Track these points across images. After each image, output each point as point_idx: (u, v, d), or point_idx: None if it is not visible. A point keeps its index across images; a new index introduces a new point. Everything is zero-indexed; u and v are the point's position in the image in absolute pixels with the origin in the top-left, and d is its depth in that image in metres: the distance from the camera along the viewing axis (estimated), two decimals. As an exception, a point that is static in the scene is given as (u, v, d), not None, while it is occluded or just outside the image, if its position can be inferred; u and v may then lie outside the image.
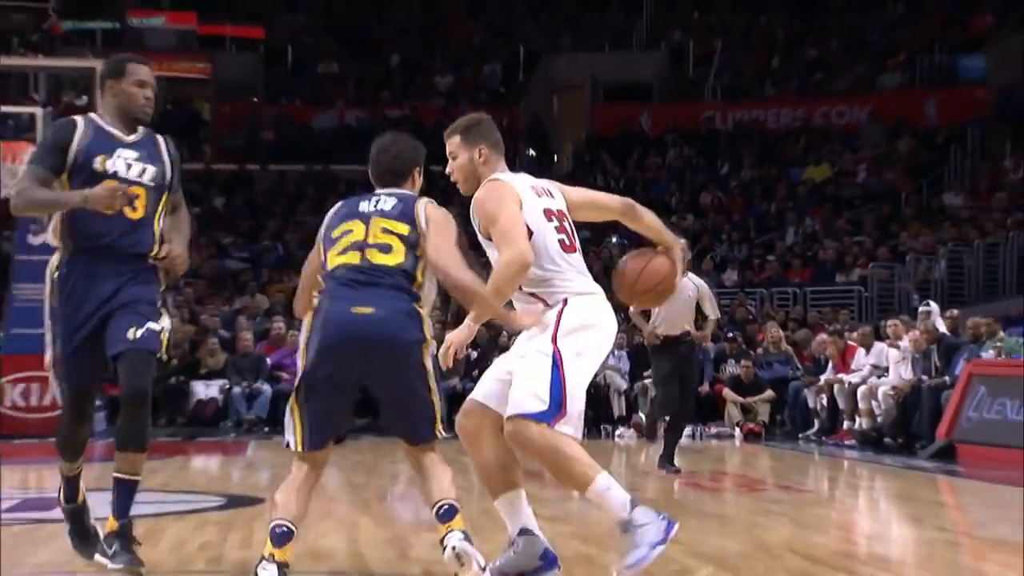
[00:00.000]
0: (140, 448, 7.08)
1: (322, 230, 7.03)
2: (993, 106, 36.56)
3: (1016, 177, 32.79)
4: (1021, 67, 36.12)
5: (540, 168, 30.79)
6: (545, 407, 6.77)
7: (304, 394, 6.68)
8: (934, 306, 20.94)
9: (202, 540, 8.84)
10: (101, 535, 7.26)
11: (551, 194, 7.25)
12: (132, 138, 6.94)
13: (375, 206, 6.96)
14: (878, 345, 20.98)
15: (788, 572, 7.66)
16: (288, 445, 6.75)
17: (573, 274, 7.14)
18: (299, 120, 39.30)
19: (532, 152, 38.49)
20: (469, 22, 43.62)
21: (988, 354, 19.06)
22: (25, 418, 21.22)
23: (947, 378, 18.97)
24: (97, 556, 7.27)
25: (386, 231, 6.84)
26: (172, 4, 41.46)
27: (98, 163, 6.61)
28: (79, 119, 6.77)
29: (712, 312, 15.29)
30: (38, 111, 21.49)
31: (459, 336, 7.06)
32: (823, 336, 23.19)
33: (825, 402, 21.70)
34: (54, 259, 7.22)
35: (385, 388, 6.80)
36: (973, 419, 17.63)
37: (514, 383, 6.92)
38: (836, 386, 21.35)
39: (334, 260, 6.82)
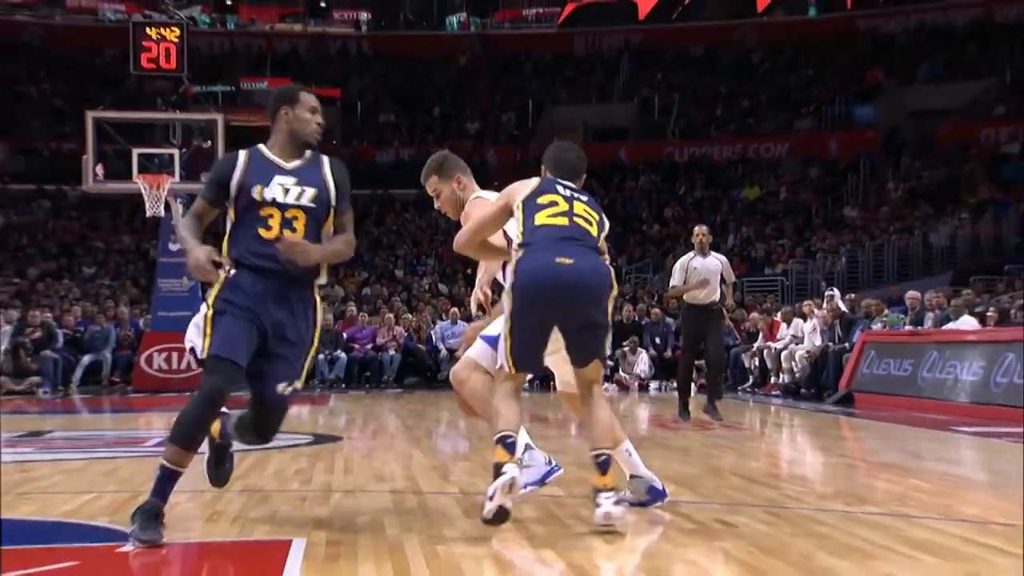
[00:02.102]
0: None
1: (519, 199, 6.16)
2: (880, 144, 36.68)
3: (896, 196, 33.06)
4: (900, 115, 36.31)
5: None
6: None
7: (515, 328, 5.94)
8: (836, 291, 21.03)
9: (296, 467, 8.89)
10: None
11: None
12: (292, 164, 5.93)
13: (572, 192, 6.28)
14: (796, 320, 21.08)
15: (732, 488, 7.70)
16: (500, 366, 6.00)
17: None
18: (366, 157, 39.33)
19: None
20: (491, 83, 43.59)
21: (877, 326, 19.18)
22: (166, 377, 21.40)
23: (847, 344, 19.09)
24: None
25: (586, 212, 6.17)
26: (272, 72, 41.46)
27: (255, 192, 5.71)
28: (242, 153, 5.90)
29: (729, 278, 14.14)
30: (175, 152, 21.70)
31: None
32: (755, 314, 23.34)
33: (757, 363, 21.81)
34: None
35: (577, 320, 6.00)
36: (866, 375, 17.67)
37: None
38: (765, 351, 21.46)
39: (541, 219, 6.06)
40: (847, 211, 33.24)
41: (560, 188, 6.23)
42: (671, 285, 14.54)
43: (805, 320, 20.57)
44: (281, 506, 6.84)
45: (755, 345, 22.03)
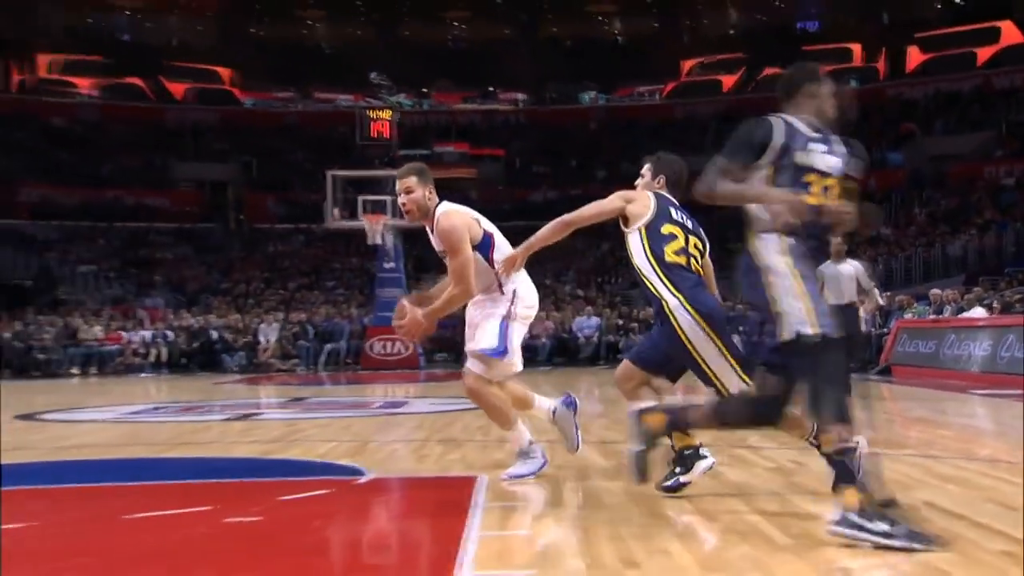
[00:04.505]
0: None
1: (643, 221, 5.02)
2: (907, 180, 36.03)
3: (920, 218, 32.40)
4: (922, 158, 35.68)
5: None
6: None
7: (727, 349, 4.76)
8: (876, 290, 20.48)
9: (478, 424, 8.73)
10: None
11: None
12: (819, 135, 4.32)
13: (683, 218, 5.15)
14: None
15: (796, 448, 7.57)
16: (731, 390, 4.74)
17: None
18: (522, 198, 39.42)
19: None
20: (613, 141, 43.31)
21: (908, 316, 18.75)
22: (384, 359, 21.80)
23: (885, 329, 18.61)
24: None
25: (696, 246, 5.09)
26: (455, 138, 41.83)
27: (798, 156, 4.14)
28: (773, 119, 4.29)
29: (866, 283, 11.62)
30: (388, 198, 22.01)
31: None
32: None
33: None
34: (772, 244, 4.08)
35: None
36: (900, 352, 17.22)
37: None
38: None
39: (669, 256, 4.93)
40: (883, 230, 32.64)
41: (675, 214, 5.12)
42: None
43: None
44: (469, 451, 6.87)
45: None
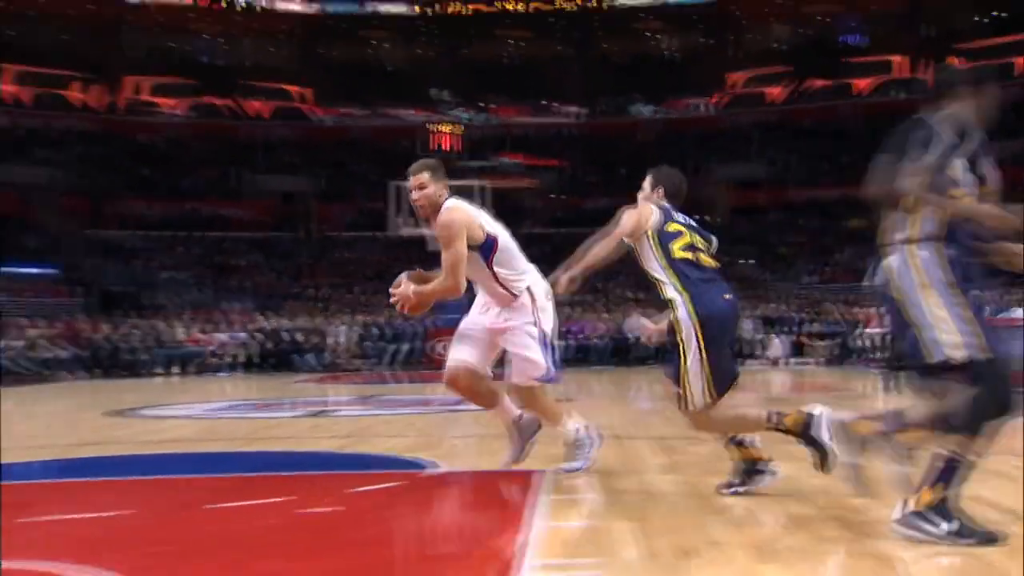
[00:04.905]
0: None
1: (650, 225, 4.85)
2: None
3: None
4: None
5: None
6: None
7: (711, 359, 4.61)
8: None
9: None
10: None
11: None
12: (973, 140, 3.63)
13: (685, 219, 4.98)
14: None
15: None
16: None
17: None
18: (575, 205, 39.28)
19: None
20: (662, 150, 42.98)
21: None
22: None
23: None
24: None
25: (701, 241, 4.86)
26: (512, 149, 41.85)
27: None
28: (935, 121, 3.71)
29: None
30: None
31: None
32: (860, 309, 22.42)
33: (864, 343, 20.84)
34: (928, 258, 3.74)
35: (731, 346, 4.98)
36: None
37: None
38: (868, 335, 20.59)
39: (677, 252, 4.77)
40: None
41: (676, 216, 4.96)
42: (869, 282, 12.51)
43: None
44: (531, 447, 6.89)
45: (860, 331, 21.13)
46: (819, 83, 43.95)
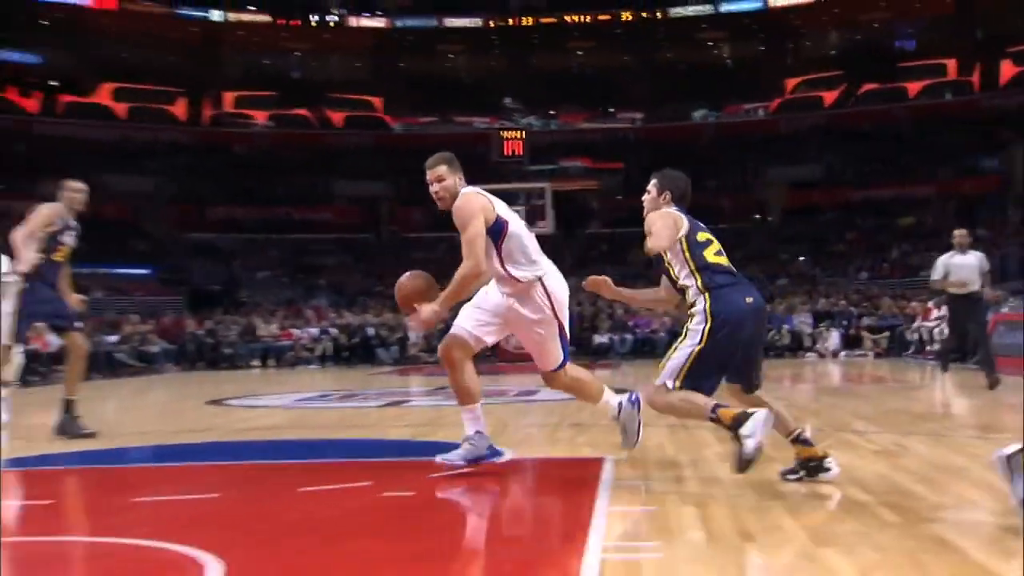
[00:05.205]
0: None
1: (682, 231, 4.68)
2: (1001, 185, 34.29)
3: (1015, 219, 30.90)
4: (1019, 165, 34.06)
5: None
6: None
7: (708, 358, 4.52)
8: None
9: None
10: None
11: None
12: None
13: (706, 225, 4.83)
14: (944, 307, 19.70)
15: (902, 422, 7.25)
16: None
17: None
18: (629, 206, 38.90)
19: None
20: (722, 153, 42.47)
21: (1004, 310, 17.93)
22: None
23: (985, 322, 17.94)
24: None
25: (721, 247, 4.74)
26: (576, 153, 41.70)
27: None
28: None
29: (983, 267, 11.14)
30: (521, 208, 21.82)
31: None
32: (915, 303, 21.87)
33: (917, 336, 20.37)
34: None
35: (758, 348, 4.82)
36: (997, 343, 16.43)
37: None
38: (922, 328, 20.01)
39: (711, 258, 4.64)
40: (980, 231, 31.06)
41: (699, 223, 4.79)
42: (932, 279, 11.75)
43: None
44: (597, 435, 6.80)
45: (914, 324, 20.64)
46: (873, 87, 43.04)
